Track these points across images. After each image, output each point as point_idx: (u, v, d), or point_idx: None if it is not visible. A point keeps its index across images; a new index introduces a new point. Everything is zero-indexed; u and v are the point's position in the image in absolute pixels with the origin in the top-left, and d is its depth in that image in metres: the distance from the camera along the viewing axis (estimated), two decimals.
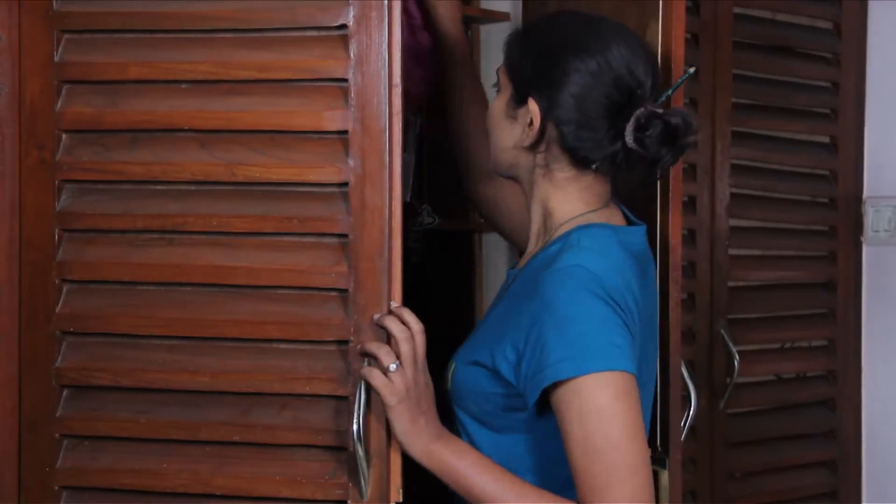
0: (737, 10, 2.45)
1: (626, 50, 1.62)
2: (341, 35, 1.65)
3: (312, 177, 1.66)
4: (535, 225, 1.71)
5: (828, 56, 2.63)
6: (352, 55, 1.64)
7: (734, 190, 2.48)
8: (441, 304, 3.02)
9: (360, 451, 1.59)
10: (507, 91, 1.69)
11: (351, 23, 1.64)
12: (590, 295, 1.52)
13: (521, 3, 2.79)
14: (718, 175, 2.46)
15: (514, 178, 1.74)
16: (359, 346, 1.60)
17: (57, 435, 1.71)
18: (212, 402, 1.67)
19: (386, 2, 1.63)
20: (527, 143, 1.66)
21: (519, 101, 1.66)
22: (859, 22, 2.66)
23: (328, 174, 1.65)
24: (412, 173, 2.55)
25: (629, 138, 1.60)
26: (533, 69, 1.65)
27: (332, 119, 1.65)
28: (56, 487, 1.70)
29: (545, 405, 1.55)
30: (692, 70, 1.73)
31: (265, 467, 1.65)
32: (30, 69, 1.71)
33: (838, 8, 2.63)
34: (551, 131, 1.64)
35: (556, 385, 1.51)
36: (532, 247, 1.72)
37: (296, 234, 1.66)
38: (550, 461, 1.60)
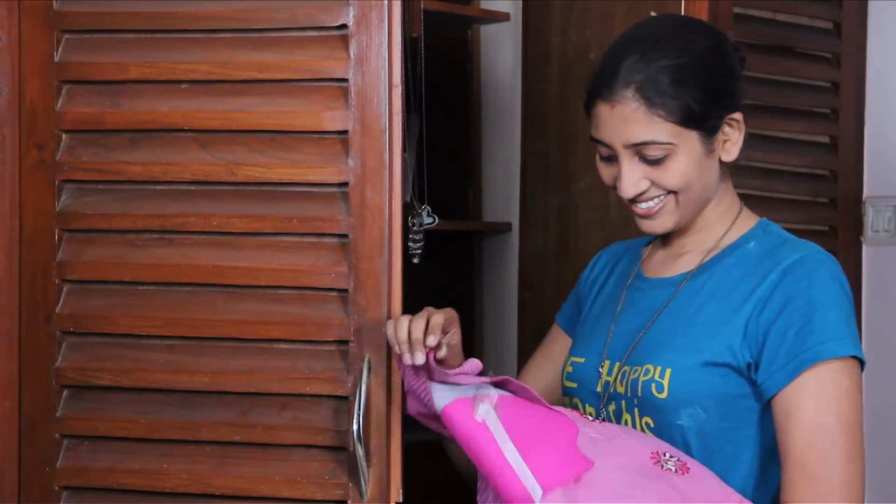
0: (737, 10, 2.45)
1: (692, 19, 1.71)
2: (341, 35, 1.65)
3: (312, 177, 1.66)
4: (700, 232, 1.68)
5: (828, 56, 2.63)
6: (352, 55, 1.64)
7: (734, 190, 2.48)
8: (441, 305, 3.02)
9: (360, 451, 1.59)
10: (691, 140, 1.58)
11: (351, 23, 1.64)
12: (839, 283, 1.56)
13: (521, 4, 2.79)
14: None
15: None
16: None
17: (57, 435, 1.71)
18: (212, 402, 1.67)
19: (386, 2, 1.63)
20: (735, 153, 1.64)
21: (714, 130, 1.60)
22: (859, 22, 2.66)
23: (328, 174, 1.65)
24: (412, 173, 2.55)
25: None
26: (720, 91, 1.60)
27: (332, 119, 1.65)
28: (56, 487, 1.70)
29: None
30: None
31: (265, 467, 1.65)
32: (30, 69, 1.71)
33: (838, 8, 2.62)
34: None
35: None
36: (696, 249, 1.67)
37: (296, 234, 1.66)
38: (765, 462, 1.58)
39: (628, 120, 1.56)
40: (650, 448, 1.50)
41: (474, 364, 1.58)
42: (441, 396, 1.53)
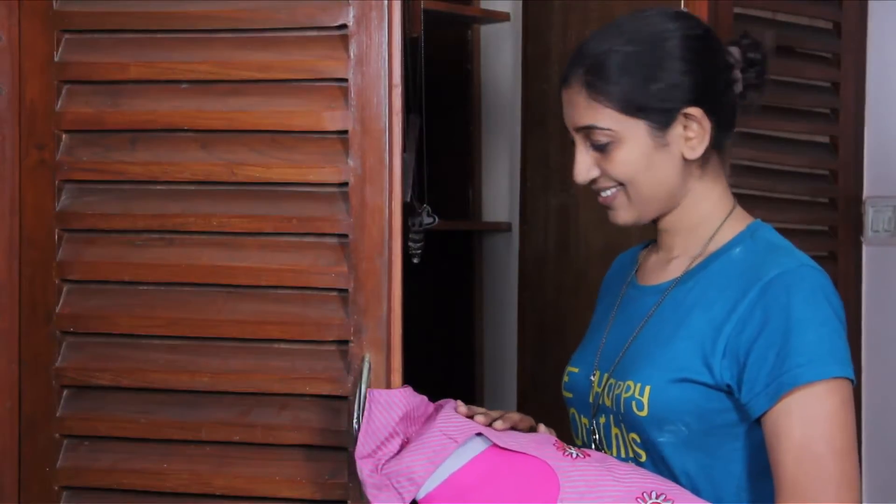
0: (737, 10, 2.45)
1: (677, 10, 1.60)
2: (341, 35, 1.65)
3: (312, 177, 1.66)
4: (684, 234, 1.63)
5: (828, 56, 2.63)
6: (352, 55, 1.64)
7: (734, 190, 2.45)
8: (441, 305, 3.03)
9: None
10: (638, 130, 1.54)
11: (351, 23, 1.64)
12: (823, 297, 1.49)
13: (521, 4, 2.79)
14: None
15: (663, 211, 1.62)
16: None
17: (57, 435, 1.71)
18: (212, 402, 1.68)
19: (386, 2, 1.63)
20: (699, 151, 1.57)
21: (665, 124, 1.55)
22: (859, 22, 2.66)
23: (328, 174, 1.65)
24: (412, 173, 2.55)
25: (739, 83, 1.59)
26: (667, 82, 1.54)
27: (332, 119, 1.65)
28: (56, 487, 1.70)
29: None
30: None
31: (265, 467, 1.65)
32: (30, 69, 1.71)
33: (838, 8, 2.63)
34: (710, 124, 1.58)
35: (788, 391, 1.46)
36: (683, 254, 1.63)
37: (296, 234, 1.66)
38: (756, 473, 1.53)
39: (574, 103, 1.58)
40: (636, 492, 1.47)
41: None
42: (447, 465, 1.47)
